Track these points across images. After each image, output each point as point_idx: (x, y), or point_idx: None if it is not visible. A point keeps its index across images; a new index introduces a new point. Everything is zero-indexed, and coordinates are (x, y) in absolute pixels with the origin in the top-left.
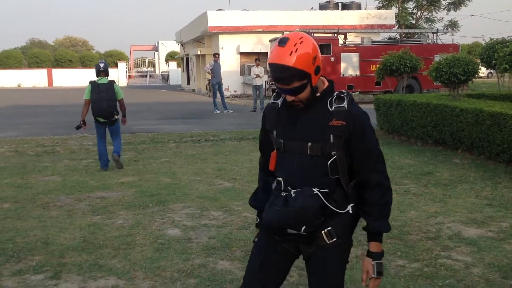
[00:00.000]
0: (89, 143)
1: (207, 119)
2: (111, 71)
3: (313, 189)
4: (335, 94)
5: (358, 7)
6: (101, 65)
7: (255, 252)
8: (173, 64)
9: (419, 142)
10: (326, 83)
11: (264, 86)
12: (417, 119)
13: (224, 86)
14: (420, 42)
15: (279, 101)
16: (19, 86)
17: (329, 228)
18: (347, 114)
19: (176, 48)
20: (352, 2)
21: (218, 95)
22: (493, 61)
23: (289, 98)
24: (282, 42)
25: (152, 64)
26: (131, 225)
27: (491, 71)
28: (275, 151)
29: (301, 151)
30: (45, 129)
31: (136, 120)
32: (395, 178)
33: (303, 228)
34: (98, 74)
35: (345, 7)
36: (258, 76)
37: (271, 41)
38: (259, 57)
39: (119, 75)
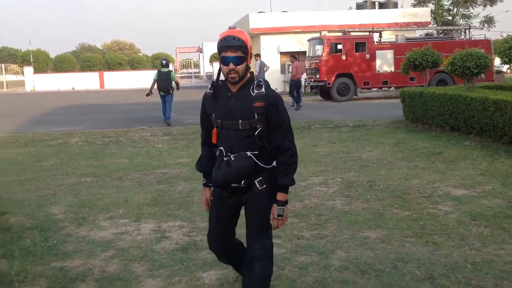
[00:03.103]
0: (147, 134)
1: None
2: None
3: (247, 152)
4: (255, 82)
5: (395, 5)
6: (164, 61)
7: (212, 207)
8: (216, 65)
9: (438, 129)
10: (249, 74)
11: (303, 83)
12: (436, 109)
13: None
14: (453, 38)
15: (213, 91)
16: (73, 88)
17: (260, 178)
18: (265, 97)
19: None
20: (388, 1)
21: None
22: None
23: (231, 66)
24: (231, 27)
25: (196, 65)
26: (189, 190)
27: None
28: (215, 128)
29: (235, 127)
30: (107, 123)
31: (186, 115)
32: (410, 157)
33: (243, 181)
34: (162, 66)
35: (382, 6)
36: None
37: (309, 40)
38: (298, 55)
39: None
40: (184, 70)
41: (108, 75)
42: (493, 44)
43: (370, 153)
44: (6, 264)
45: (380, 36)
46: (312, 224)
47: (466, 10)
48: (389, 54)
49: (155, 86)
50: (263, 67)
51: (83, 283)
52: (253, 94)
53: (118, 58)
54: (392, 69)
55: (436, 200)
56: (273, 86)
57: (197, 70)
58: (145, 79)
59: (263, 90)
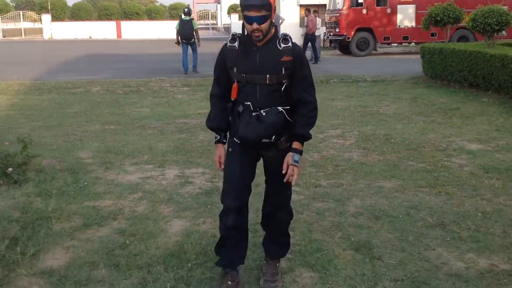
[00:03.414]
0: (166, 85)
1: None
2: (176, 22)
3: (278, 108)
4: (280, 36)
5: None
6: (186, 10)
7: (233, 159)
8: (234, 17)
9: (456, 85)
10: (273, 27)
11: (322, 37)
12: (456, 65)
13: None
14: None
15: (236, 44)
16: (90, 37)
17: (285, 136)
18: (292, 51)
19: (237, 1)
20: None
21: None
22: None
23: (255, 26)
24: None
25: (214, 17)
26: (210, 139)
27: None
28: (236, 83)
29: (261, 82)
30: (127, 73)
31: (204, 67)
32: (427, 112)
33: (274, 137)
34: (184, 13)
35: None
36: (316, 28)
37: None
38: (318, 8)
39: None
40: (202, 21)
41: (126, 25)
42: None
43: (387, 108)
44: (42, 202)
45: None
46: (329, 174)
47: None
48: (411, 8)
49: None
50: (278, 19)
51: (114, 221)
52: (280, 48)
53: (136, 7)
54: (413, 24)
55: (450, 153)
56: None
57: (214, 22)
58: (162, 29)
59: (290, 44)
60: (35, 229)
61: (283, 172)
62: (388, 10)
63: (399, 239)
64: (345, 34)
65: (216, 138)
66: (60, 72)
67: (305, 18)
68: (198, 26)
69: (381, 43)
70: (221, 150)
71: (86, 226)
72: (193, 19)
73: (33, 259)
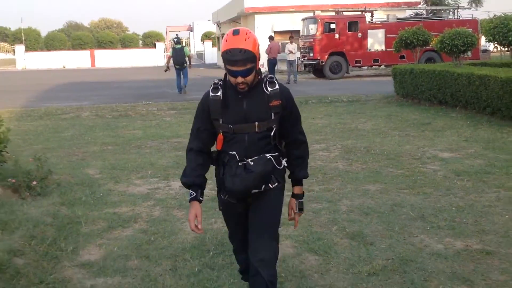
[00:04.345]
0: (153, 109)
1: None
2: (150, 50)
3: (266, 155)
4: (266, 79)
5: None
6: (176, 40)
7: (227, 217)
8: (208, 44)
9: (427, 103)
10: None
11: (296, 61)
12: (425, 84)
13: (260, 63)
14: (442, 18)
15: (220, 94)
16: (64, 67)
17: (272, 176)
18: (281, 94)
19: (210, 28)
20: None
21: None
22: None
23: (240, 80)
24: (236, 32)
25: (187, 44)
26: None
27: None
28: (221, 134)
29: (250, 130)
30: (112, 99)
31: (188, 92)
32: (401, 127)
33: (263, 186)
34: (175, 43)
35: None
36: (291, 52)
37: (303, 20)
38: (292, 35)
39: (157, 55)
40: None
41: (100, 54)
42: (480, 24)
43: (365, 124)
44: (68, 210)
45: (372, 15)
46: (319, 181)
47: None
48: (380, 33)
49: (171, 61)
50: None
51: (135, 223)
52: (268, 92)
53: (109, 36)
54: (383, 47)
55: (425, 161)
56: (265, 65)
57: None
58: (136, 57)
59: (277, 86)
60: (68, 231)
61: (289, 219)
62: (359, 35)
63: (387, 229)
64: (319, 58)
65: (191, 195)
66: (46, 100)
67: (280, 43)
68: (170, 53)
69: (353, 66)
70: (196, 208)
71: (111, 228)
72: (184, 46)
73: (72, 254)
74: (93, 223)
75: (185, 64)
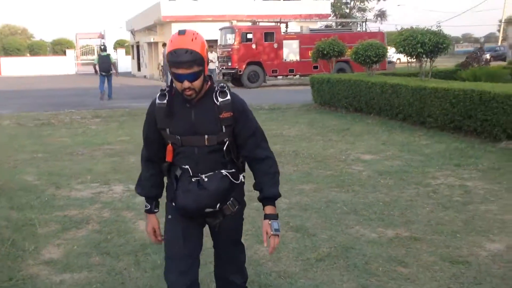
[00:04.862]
0: (77, 117)
1: None
2: (60, 58)
3: (221, 171)
4: (217, 88)
5: None
6: (102, 47)
7: (174, 227)
8: (121, 52)
9: (343, 110)
10: (208, 80)
11: (216, 70)
12: (342, 92)
13: None
14: (351, 30)
15: (166, 101)
16: None
17: (232, 199)
18: (232, 106)
19: (123, 36)
20: None
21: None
22: (393, 45)
23: (186, 84)
24: (181, 32)
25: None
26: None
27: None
28: (170, 145)
29: (199, 143)
30: (30, 107)
31: (111, 101)
32: (323, 132)
33: (218, 205)
34: (101, 50)
35: None
36: (211, 61)
37: (221, 29)
38: (212, 44)
39: (67, 63)
40: (84, 57)
41: (6, 61)
42: (386, 36)
43: (289, 130)
44: (18, 214)
45: (287, 26)
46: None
47: (362, 4)
48: (295, 44)
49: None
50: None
51: (88, 224)
52: (218, 103)
53: (17, 43)
54: (298, 58)
55: (350, 162)
56: None
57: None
58: (46, 65)
59: (228, 97)
60: (24, 233)
61: (265, 245)
62: (275, 45)
63: (325, 222)
64: (237, 67)
65: (146, 207)
66: None
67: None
68: (82, 61)
69: (269, 76)
70: (153, 221)
71: (65, 229)
72: (109, 54)
73: (34, 254)
74: (46, 225)
75: (110, 72)
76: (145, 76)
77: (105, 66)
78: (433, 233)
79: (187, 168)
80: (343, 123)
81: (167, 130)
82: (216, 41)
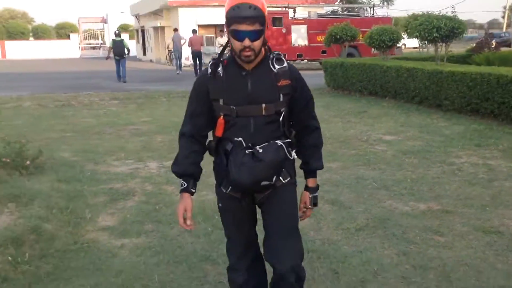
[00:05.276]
0: (95, 99)
1: (181, 81)
2: (64, 42)
3: (276, 141)
4: (272, 56)
5: None
6: (117, 32)
7: (227, 217)
8: (125, 36)
9: (357, 94)
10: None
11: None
12: (356, 76)
13: (184, 56)
14: (359, 16)
15: (220, 70)
16: None
17: (283, 169)
18: (290, 73)
19: (125, 20)
20: None
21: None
22: (407, 31)
23: (247, 42)
24: None
25: (102, 36)
26: (168, 140)
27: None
28: (222, 117)
29: (256, 113)
30: (49, 89)
31: (118, 83)
32: (341, 114)
33: (274, 177)
34: (115, 35)
35: None
36: (222, 46)
37: None
38: (223, 28)
39: (72, 47)
40: (86, 41)
41: (11, 45)
42: (394, 21)
43: None
44: (66, 186)
45: (294, 12)
46: None
47: None
48: (303, 29)
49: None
50: (178, 40)
51: (134, 196)
52: (275, 71)
53: (21, 27)
54: (306, 43)
55: (372, 143)
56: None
57: (102, 41)
58: (50, 49)
59: (285, 64)
60: (78, 201)
61: (300, 215)
62: (283, 30)
63: (358, 196)
64: None
65: (182, 185)
66: None
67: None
68: (85, 45)
69: None
70: (187, 202)
71: (114, 200)
72: (123, 39)
73: (91, 221)
74: (96, 196)
75: (124, 55)
76: (151, 60)
77: (119, 51)
78: (463, 206)
79: (240, 141)
80: (359, 106)
81: (221, 101)
82: (223, 25)
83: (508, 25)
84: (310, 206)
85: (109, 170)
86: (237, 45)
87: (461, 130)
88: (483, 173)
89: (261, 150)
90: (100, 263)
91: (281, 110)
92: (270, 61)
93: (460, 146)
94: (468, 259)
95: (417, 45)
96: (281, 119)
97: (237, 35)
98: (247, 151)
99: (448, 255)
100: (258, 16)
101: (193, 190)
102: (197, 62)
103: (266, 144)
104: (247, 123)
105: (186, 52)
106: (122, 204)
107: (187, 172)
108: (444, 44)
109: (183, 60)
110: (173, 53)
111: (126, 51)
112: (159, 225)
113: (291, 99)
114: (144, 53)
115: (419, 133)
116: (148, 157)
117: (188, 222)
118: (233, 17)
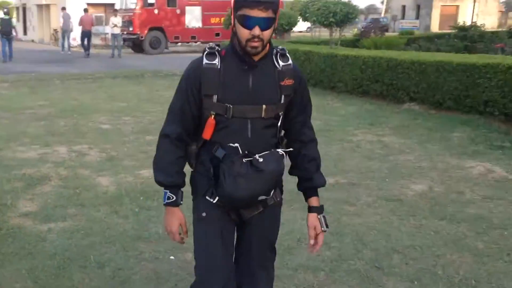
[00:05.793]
0: None
1: (73, 63)
2: None
3: (277, 150)
4: (276, 50)
5: None
6: (5, 10)
7: (211, 229)
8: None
9: None
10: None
11: (120, 36)
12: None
13: (72, 36)
14: None
15: (217, 61)
16: None
17: (276, 187)
18: (294, 72)
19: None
20: None
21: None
22: (306, 15)
23: (257, 31)
24: None
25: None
26: (72, 124)
27: (309, 26)
28: (213, 117)
29: (255, 115)
30: None
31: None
32: None
33: (272, 191)
34: (4, 13)
35: None
36: (116, 25)
37: None
38: (108, 8)
39: None
40: None
41: None
42: (287, 5)
43: None
44: None
45: None
46: None
47: None
48: (197, 10)
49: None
50: (68, 19)
51: (50, 181)
52: (279, 68)
53: None
54: (200, 25)
55: None
56: (79, 39)
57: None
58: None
59: (290, 61)
60: None
61: (311, 242)
62: (178, 11)
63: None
64: (138, 33)
65: (169, 199)
66: None
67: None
68: None
69: (171, 42)
70: (179, 216)
71: (30, 186)
72: (11, 18)
73: (11, 208)
74: (10, 182)
75: (11, 35)
76: (32, 40)
77: (7, 29)
78: (366, 179)
79: (237, 147)
80: None
81: (214, 97)
82: (113, 4)
83: (386, 11)
84: (323, 229)
85: (16, 156)
86: (244, 33)
87: (355, 111)
88: (379, 149)
89: (261, 160)
90: (30, 247)
91: (280, 113)
92: (274, 56)
93: (355, 125)
94: (377, 224)
95: (303, 29)
96: (279, 124)
97: (246, 22)
98: (244, 160)
99: (359, 222)
100: (273, 2)
101: (181, 203)
102: (85, 42)
103: (267, 152)
104: (243, 126)
105: (75, 32)
106: (39, 189)
107: (175, 183)
108: (338, 29)
109: (70, 41)
110: (62, 33)
111: (13, 31)
112: (83, 209)
113: (291, 101)
114: (25, 33)
115: (317, 113)
116: (54, 141)
117: (185, 238)
118: (245, 0)
